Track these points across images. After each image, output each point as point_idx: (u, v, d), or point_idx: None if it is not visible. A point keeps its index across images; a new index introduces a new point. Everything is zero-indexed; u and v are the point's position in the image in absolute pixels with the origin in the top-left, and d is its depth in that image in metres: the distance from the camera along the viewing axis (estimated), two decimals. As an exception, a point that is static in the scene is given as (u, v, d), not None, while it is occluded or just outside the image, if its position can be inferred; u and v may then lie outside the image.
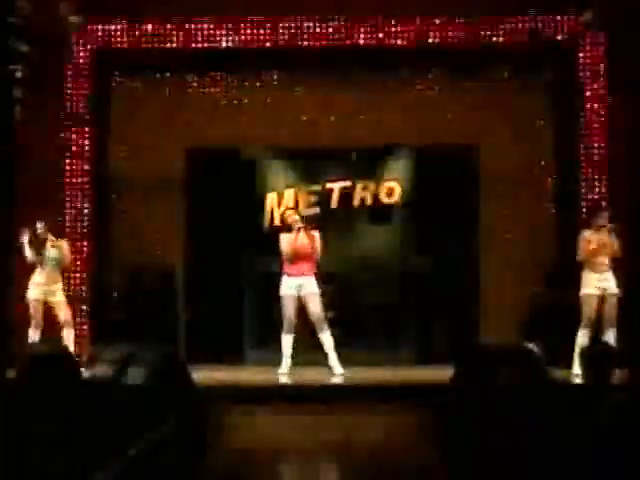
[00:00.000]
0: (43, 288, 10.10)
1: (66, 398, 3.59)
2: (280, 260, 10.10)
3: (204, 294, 11.90)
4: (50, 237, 10.16)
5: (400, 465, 4.86)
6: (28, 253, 10.08)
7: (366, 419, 7.27)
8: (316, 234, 10.02)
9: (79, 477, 3.31)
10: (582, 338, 9.50)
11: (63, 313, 10.15)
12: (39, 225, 10.19)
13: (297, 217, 10.11)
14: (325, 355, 9.95)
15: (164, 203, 11.89)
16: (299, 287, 9.90)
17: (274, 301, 10.40)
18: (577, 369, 8.97)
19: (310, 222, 10.19)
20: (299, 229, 9.96)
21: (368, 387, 9.07)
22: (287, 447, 6.09)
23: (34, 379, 3.60)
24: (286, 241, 10.00)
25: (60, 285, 10.23)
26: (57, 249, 10.17)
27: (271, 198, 12.08)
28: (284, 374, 9.84)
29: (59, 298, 10.17)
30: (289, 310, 9.92)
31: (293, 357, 9.96)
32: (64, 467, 3.31)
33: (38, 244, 10.10)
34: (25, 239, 10.11)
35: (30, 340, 9.90)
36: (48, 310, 10.19)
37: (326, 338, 9.90)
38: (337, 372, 9.84)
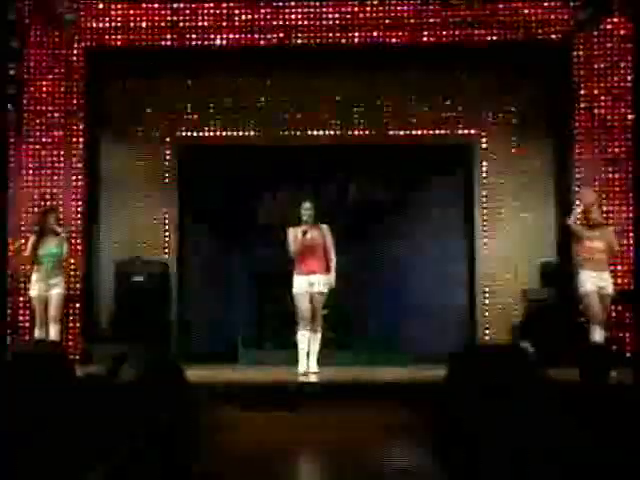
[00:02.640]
0: (43, 284, 10.06)
1: (59, 397, 3.55)
2: (285, 256, 9.89)
3: (197, 293, 11.88)
4: (57, 229, 10.14)
5: (397, 464, 4.85)
6: (29, 251, 10.07)
7: (363, 418, 7.24)
8: (326, 228, 9.72)
9: (71, 477, 3.28)
10: (596, 337, 9.34)
11: (54, 307, 10.09)
12: (51, 218, 10.17)
13: (312, 212, 9.68)
14: (306, 352, 9.70)
15: (158, 201, 11.87)
16: (311, 285, 9.61)
17: (268, 300, 10.35)
18: None
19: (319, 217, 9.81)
20: (310, 224, 9.63)
21: (365, 386, 9.04)
22: (282, 447, 6.06)
23: (26, 378, 3.56)
24: (294, 236, 9.66)
25: (60, 279, 10.18)
26: (57, 245, 10.11)
27: (265, 196, 12.06)
28: (303, 374, 9.57)
29: (57, 291, 10.11)
30: (303, 308, 9.62)
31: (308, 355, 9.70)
32: (56, 467, 3.28)
33: (41, 239, 10.07)
34: (32, 238, 10.09)
35: (36, 337, 9.88)
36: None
37: (315, 337, 9.69)
38: (312, 370, 9.63)
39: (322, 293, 9.64)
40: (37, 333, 9.98)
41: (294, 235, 9.66)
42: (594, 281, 9.43)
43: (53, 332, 9.99)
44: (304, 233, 9.59)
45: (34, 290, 10.09)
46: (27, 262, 10.20)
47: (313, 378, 9.53)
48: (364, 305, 11.89)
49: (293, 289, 9.70)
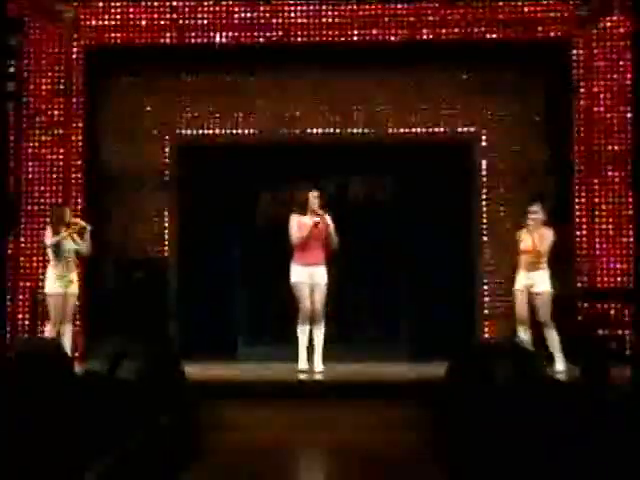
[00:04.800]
0: (62, 281, 9.78)
1: (58, 394, 3.55)
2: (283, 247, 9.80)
3: (197, 290, 11.87)
4: (77, 224, 9.97)
5: (398, 462, 4.86)
6: (50, 241, 9.79)
7: (362, 416, 7.24)
8: (329, 219, 9.63)
9: (72, 473, 3.27)
10: (521, 335, 9.54)
11: (71, 307, 9.91)
12: (68, 213, 10.02)
13: (319, 201, 9.62)
14: (311, 348, 9.63)
15: (157, 200, 11.86)
16: (311, 275, 9.54)
17: (268, 297, 10.32)
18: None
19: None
20: (318, 214, 9.56)
21: (365, 384, 9.04)
22: (282, 445, 6.06)
23: (25, 376, 3.56)
24: (302, 223, 9.55)
25: (75, 276, 9.92)
26: (75, 240, 9.94)
27: (264, 195, 12.05)
28: (303, 371, 9.49)
29: (74, 290, 9.88)
30: (304, 298, 9.52)
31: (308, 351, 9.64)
32: (56, 464, 3.27)
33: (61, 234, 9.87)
34: (61, 235, 9.86)
35: (49, 336, 9.61)
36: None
37: (319, 333, 9.64)
38: (317, 369, 9.53)
39: (323, 285, 9.56)
40: (51, 331, 9.72)
41: (300, 222, 9.57)
42: (522, 281, 9.74)
43: (67, 331, 9.82)
44: (316, 225, 9.51)
45: (53, 287, 9.78)
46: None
47: (318, 376, 9.46)
48: (364, 303, 11.88)
49: (291, 279, 9.62)
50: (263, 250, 11.59)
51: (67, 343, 9.57)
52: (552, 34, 11.26)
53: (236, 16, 11.33)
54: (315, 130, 11.90)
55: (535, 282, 9.64)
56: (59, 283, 9.79)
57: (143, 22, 11.30)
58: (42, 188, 11.20)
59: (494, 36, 11.26)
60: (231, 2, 11.31)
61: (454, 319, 11.67)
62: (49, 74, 11.26)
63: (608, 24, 11.04)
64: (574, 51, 11.26)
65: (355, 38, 11.32)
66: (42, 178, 11.24)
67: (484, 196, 11.80)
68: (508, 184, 11.80)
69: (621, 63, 11.04)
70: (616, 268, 10.68)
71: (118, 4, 11.31)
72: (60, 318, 9.78)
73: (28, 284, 10.63)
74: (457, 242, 11.84)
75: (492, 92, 11.85)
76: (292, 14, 11.34)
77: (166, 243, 11.87)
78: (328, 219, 9.60)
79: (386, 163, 12.04)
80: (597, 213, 11.09)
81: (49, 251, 9.86)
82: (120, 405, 3.77)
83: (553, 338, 9.45)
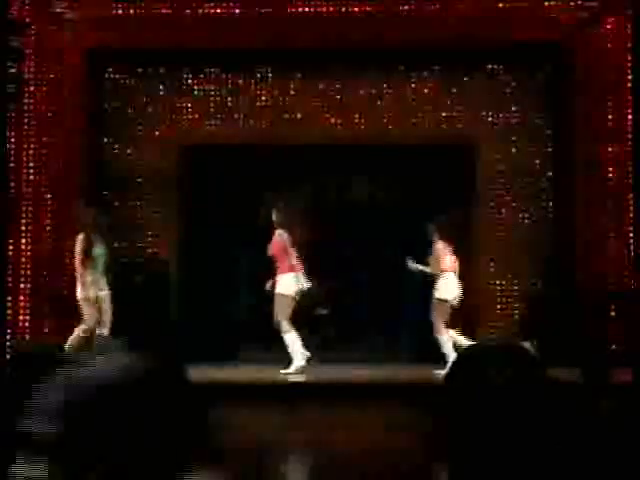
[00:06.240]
0: (97, 285, 9.77)
1: (59, 396, 3.52)
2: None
3: (199, 292, 11.87)
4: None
5: (397, 464, 4.85)
6: (81, 253, 9.75)
7: (363, 417, 7.24)
8: (280, 233, 10.02)
9: (72, 477, 3.25)
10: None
11: (109, 308, 9.83)
12: (103, 217, 9.99)
13: (275, 218, 10.14)
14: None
15: (158, 201, 11.87)
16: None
17: (268, 299, 10.36)
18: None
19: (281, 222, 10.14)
20: (274, 228, 10.07)
21: (365, 386, 9.04)
22: (282, 446, 6.06)
23: (22, 378, 3.54)
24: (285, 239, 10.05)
25: (105, 279, 9.92)
26: (104, 244, 9.90)
27: (265, 196, 12.06)
28: (299, 372, 9.79)
29: (108, 292, 9.86)
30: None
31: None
32: (57, 468, 3.25)
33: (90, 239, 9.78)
34: (81, 238, 9.79)
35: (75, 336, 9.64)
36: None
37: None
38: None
39: (276, 294, 9.93)
40: (79, 333, 9.61)
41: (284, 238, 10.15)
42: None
43: (106, 333, 9.76)
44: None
45: (90, 291, 9.73)
46: (80, 266, 9.76)
47: (321, 378, 9.58)
48: (363, 304, 11.88)
49: (287, 290, 10.00)
50: (265, 252, 11.61)
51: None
52: (553, 35, 11.26)
53: (237, 18, 11.32)
54: (316, 131, 11.91)
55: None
56: (94, 287, 9.74)
57: (144, 23, 11.30)
58: (43, 189, 11.19)
59: (495, 37, 11.25)
60: (232, 4, 11.30)
61: (454, 321, 11.65)
62: (50, 75, 11.26)
63: (609, 25, 11.04)
64: (575, 52, 11.26)
65: (356, 39, 11.32)
66: (43, 179, 11.23)
67: (484, 197, 11.81)
68: (508, 185, 11.80)
69: (622, 64, 11.04)
70: (617, 269, 10.68)
71: (119, 5, 11.30)
72: (96, 322, 9.73)
73: (29, 286, 10.61)
74: (457, 244, 11.83)
75: (493, 93, 11.85)
76: (293, 16, 11.33)
77: (168, 245, 11.87)
78: (279, 234, 10.07)
79: (387, 164, 12.04)
80: (598, 214, 11.09)
81: (81, 256, 9.78)
82: (121, 407, 3.74)
83: (441, 344, 9.86)
